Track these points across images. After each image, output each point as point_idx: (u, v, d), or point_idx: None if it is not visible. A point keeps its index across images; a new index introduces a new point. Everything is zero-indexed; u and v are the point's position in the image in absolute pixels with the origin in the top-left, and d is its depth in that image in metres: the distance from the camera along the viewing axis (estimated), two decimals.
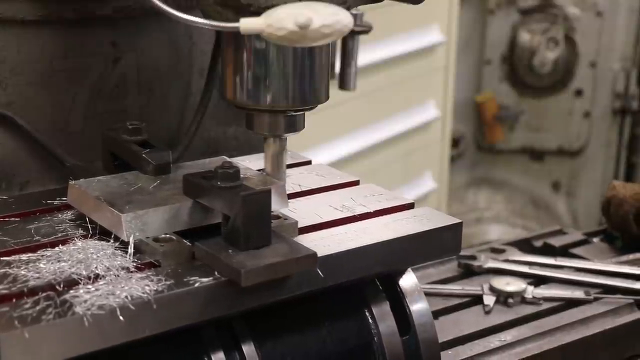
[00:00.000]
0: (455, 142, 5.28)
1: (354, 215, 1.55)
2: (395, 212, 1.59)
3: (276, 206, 1.43)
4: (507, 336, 1.85)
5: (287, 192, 1.49)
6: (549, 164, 5.48)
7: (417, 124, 4.37)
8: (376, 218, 1.56)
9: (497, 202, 5.51)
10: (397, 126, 4.22)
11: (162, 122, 1.81)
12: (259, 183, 1.45)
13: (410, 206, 1.61)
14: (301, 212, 1.53)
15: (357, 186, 1.69)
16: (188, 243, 1.36)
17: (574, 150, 5.42)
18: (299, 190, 1.64)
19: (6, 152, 1.65)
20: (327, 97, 1.47)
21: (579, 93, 5.33)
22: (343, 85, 2.13)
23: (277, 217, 1.46)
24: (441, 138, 4.62)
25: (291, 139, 1.47)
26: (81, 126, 1.70)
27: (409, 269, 1.59)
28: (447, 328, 1.85)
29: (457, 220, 1.57)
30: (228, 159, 1.58)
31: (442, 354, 1.66)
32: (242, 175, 1.38)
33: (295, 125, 1.44)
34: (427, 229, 1.53)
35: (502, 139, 5.43)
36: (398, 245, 1.49)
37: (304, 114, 1.45)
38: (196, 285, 1.27)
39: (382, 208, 1.59)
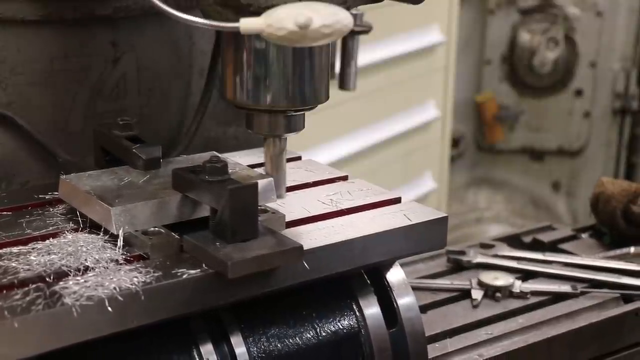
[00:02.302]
0: (455, 142, 5.28)
1: (341, 210, 1.57)
2: (382, 206, 1.61)
3: (264, 200, 1.45)
4: (495, 330, 1.86)
5: None
6: (549, 164, 5.48)
7: (417, 124, 4.37)
8: (363, 212, 1.58)
9: (497, 202, 5.52)
10: (397, 126, 4.22)
11: (162, 122, 1.82)
12: (246, 177, 1.46)
13: (397, 201, 1.63)
14: (289, 206, 1.55)
15: (345, 181, 1.71)
16: (176, 236, 1.37)
17: (574, 150, 5.42)
18: (288, 185, 1.66)
19: (6, 152, 1.66)
20: (327, 97, 1.46)
21: (579, 93, 5.33)
22: (343, 85, 2.14)
23: (265, 211, 1.47)
24: (441, 138, 4.62)
25: (291, 139, 1.47)
26: (81, 126, 1.71)
27: (397, 263, 1.60)
28: (435, 322, 1.86)
29: (443, 214, 1.58)
30: (217, 154, 1.60)
31: (430, 347, 1.68)
32: (230, 170, 1.40)
33: (295, 125, 1.44)
34: (413, 222, 1.55)
35: (502, 139, 5.44)
36: (384, 238, 1.51)
37: (303, 114, 1.45)
38: (184, 277, 1.29)
39: (369, 202, 1.61)
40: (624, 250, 2.20)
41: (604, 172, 5.32)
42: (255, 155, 1.79)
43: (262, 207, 1.47)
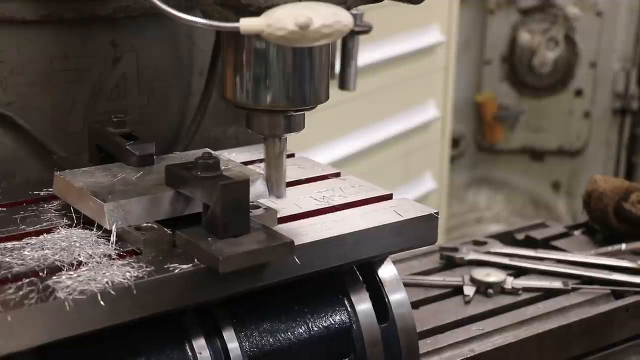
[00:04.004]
0: (455, 142, 5.29)
1: (333, 206, 1.58)
2: (374, 202, 1.62)
3: (256, 196, 1.47)
4: (486, 325, 1.87)
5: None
6: (549, 164, 5.49)
7: (417, 124, 4.36)
8: (354, 208, 1.59)
9: (497, 202, 5.52)
10: (397, 126, 4.22)
11: (162, 122, 1.83)
12: (238, 173, 1.48)
13: (388, 197, 1.64)
14: (281, 202, 1.55)
15: (337, 178, 1.73)
16: (169, 232, 1.39)
17: (574, 150, 5.43)
18: None
19: (6, 151, 1.67)
20: (327, 97, 1.47)
21: (579, 93, 5.34)
22: (343, 85, 2.13)
23: (257, 207, 1.49)
24: (441, 138, 4.62)
25: (291, 139, 1.47)
26: (81, 126, 1.72)
27: (388, 259, 1.62)
28: (427, 317, 1.87)
29: (433, 211, 1.59)
30: (209, 151, 1.61)
31: (421, 342, 1.69)
32: (223, 167, 1.41)
33: (295, 125, 1.44)
34: (403, 218, 1.56)
35: (502, 139, 5.45)
36: (375, 234, 1.52)
37: (304, 114, 1.45)
38: (176, 271, 1.30)
39: (360, 199, 1.62)
40: (616, 247, 2.21)
41: (604, 172, 5.32)
42: (250, 152, 1.80)
43: (255, 203, 1.48)
